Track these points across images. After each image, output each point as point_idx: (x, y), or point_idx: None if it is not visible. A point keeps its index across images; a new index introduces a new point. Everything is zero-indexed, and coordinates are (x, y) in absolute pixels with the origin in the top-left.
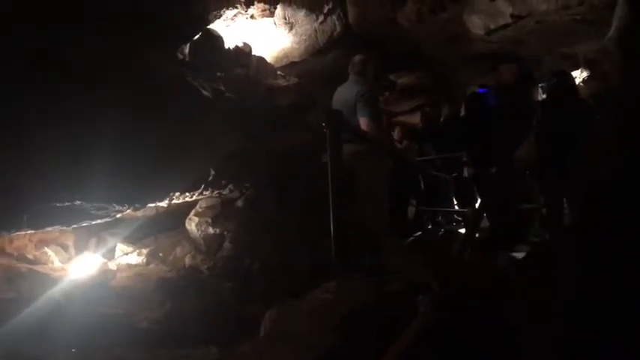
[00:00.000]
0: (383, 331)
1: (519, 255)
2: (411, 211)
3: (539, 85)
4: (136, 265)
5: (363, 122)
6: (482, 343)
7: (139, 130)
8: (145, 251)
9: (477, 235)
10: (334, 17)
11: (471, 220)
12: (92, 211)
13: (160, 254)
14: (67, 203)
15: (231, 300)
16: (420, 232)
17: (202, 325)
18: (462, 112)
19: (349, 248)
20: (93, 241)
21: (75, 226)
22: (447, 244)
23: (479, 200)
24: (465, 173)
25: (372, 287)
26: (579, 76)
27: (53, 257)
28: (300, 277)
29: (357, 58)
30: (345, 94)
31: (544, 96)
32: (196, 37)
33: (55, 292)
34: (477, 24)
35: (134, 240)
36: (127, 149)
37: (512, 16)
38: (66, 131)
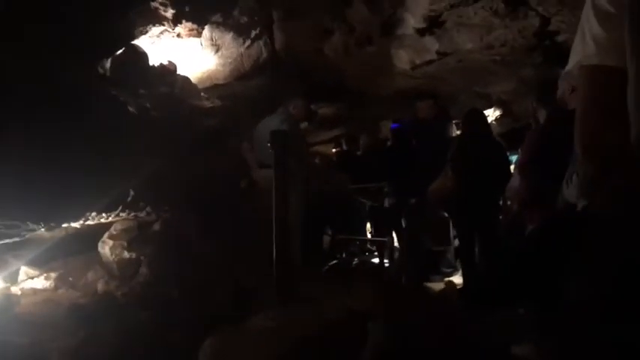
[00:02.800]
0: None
1: (434, 285)
2: (326, 240)
3: (454, 121)
4: (43, 290)
5: None
6: None
7: (55, 144)
8: (53, 275)
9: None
10: (261, 42)
11: (402, 249)
12: (2, 230)
13: (70, 279)
14: None
15: (151, 328)
16: (334, 261)
17: (122, 354)
18: (390, 143)
19: (291, 275)
20: None
21: None
22: (364, 274)
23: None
24: (387, 203)
25: (313, 315)
26: (492, 114)
27: None
28: (222, 305)
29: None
30: (271, 124)
31: (458, 132)
32: (119, 51)
33: None
34: (403, 58)
35: (40, 263)
36: (44, 163)
37: (437, 52)
38: None
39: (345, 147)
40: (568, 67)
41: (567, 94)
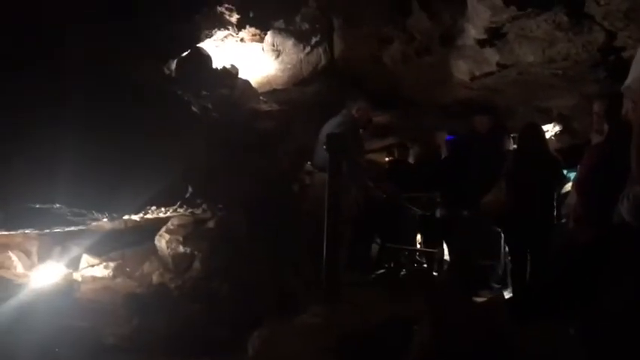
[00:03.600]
0: (375, 357)
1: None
2: (375, 248)
3: (512, 135)
4: (102, 278)
5: None
6: None
7: (118, 139)
8: (112, 264)
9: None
10: (320, 49)
11: (452, 261)
12: (69, 217)
13: (127, 269)
14: (46, 205)
15: (202, 322)
16: (382, 270)
17: (173, 345)
18: (445, 155)
19: (338, 279)
20: (57, 249)
21: (48, 230)
22: (411, 283)
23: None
24: (438, 214)
25: (357, 316)
26: (551, 130)
27: (17, 262)
28: (268, 304)
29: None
30: (332, 125)
31: (515, 146)
32: (185, 53)
33: (19, 298)
34: (462, 69)
35: (100, 252)
36: (109, 158)
37: (497, 64)
38: (49, 133)
39: (397, 156)
40: (627, 82)
41: (630, 113)
